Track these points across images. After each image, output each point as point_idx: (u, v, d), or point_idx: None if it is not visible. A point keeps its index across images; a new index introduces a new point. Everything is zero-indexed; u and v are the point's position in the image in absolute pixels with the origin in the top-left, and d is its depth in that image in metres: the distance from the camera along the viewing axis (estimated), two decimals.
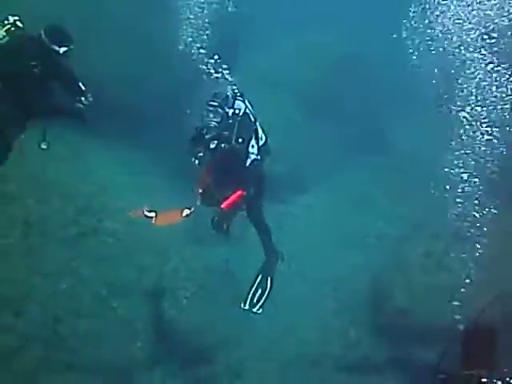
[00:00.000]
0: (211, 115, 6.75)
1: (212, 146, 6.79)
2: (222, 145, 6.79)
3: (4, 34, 5.77)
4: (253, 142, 6.97)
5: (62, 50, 5.84)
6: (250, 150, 6.91)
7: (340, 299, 11.33)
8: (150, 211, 7.08)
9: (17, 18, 5.86)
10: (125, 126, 11.60)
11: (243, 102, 7.02)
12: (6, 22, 5.82)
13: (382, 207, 13.27)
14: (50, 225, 9.92)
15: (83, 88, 6.19)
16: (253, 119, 7.06)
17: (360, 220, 12.96)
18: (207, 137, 6.82)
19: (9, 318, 9.00)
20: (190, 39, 11.18)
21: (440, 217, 11.49)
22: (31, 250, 9.64)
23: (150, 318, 10.06)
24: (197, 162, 6.86)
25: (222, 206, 6.75)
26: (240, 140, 6.78)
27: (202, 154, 6.85)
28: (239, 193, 6.79)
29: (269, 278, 7.28)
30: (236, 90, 7.07)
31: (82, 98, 6.10)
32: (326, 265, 11.81)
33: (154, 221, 7.11)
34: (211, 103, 6.78)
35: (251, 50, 13.91)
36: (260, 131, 7.25)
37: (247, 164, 6.87)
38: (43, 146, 6.16)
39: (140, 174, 12.76)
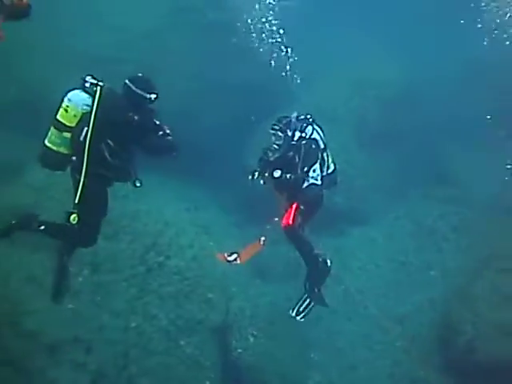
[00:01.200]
0: (273, 138, 7.13)
1: (276, 175, 6.98)
2: (288, 175, 6.99)
3: (94, 101, 5.98)
4: (315, 166, 7.13)
5: (153, 96, 6.18)
6: (311, 173, 7.10)
7: (406, 335, 11.11)
8: (230, 255, 7.24)
9: (91, 77, 6.09)
10: (183, 162, 11.75)
11: (312, 127, 7.24)
12: (86, 85, 6.04)
13: (446, 239, 13.01)
14: (118, 263, 10.13)
15: (158, 122, 6.38)
16: (320, 146, 7.24)
17: (423, 253, 12.75)
18: (271, 158, 7.18)
19: (80, 356, 9.16)
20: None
21: (507, 250, 11.28)
22: (100, 288, 9.85)
23: (217, 355, 10.08)
24: (262, 182, 7.22)
25: (290, 223, 6.84)
26: (305, 169, 7.00)
27: (261, 172, 7.19)
28: (295, 205, 6.94)
29: (316, 289, 7.29)
30: (308, 116, 7.32)
31: (167, 131, 6.28)
32: (390, 299, 11.67)
33: (238, 261, 7.27)
34: (273, 126, 7.17)
35: (308, 80, 13.96)
36: (330, 159, 7.42)
37: (303, 186, 7.06)
38: (137, 184, 6.35)
39: (200, 209, 12.99)
